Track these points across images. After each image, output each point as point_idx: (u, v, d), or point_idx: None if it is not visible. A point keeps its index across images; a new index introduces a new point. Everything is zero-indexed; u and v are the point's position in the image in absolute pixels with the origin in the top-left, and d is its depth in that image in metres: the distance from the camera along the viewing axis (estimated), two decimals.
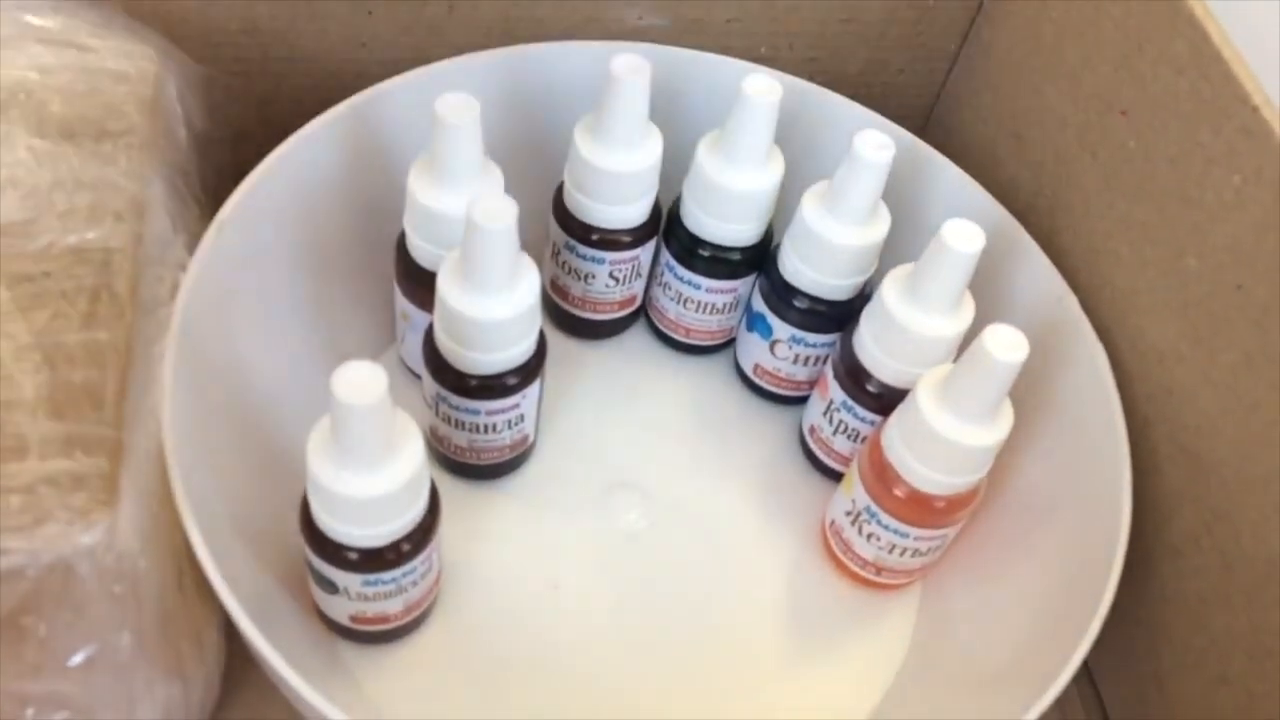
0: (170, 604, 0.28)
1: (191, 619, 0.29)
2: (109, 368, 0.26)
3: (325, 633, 0.34)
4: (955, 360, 0.33)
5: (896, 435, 0.34)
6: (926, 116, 0.46)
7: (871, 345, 0.35)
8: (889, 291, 0.35)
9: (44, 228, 0.27)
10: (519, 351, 0.34)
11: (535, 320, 0.34)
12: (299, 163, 0.36)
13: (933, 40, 0.44)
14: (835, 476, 0.39)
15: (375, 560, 0.30)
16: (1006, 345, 0.30)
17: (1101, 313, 0.36)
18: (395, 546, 0.30)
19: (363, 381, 0.27)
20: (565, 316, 0.42)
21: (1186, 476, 0.33)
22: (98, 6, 0.34)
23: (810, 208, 0.36)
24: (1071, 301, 0.36)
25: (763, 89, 0.35)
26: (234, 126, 0.38)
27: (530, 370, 0.35)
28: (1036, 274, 0.37)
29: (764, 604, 0.37)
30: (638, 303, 0.42)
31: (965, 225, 0.32)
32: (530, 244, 0.32)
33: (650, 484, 0.39)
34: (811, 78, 0.40)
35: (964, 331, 0.34)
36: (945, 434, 0.32)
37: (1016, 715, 0.29)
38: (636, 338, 0.43)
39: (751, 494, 0.40)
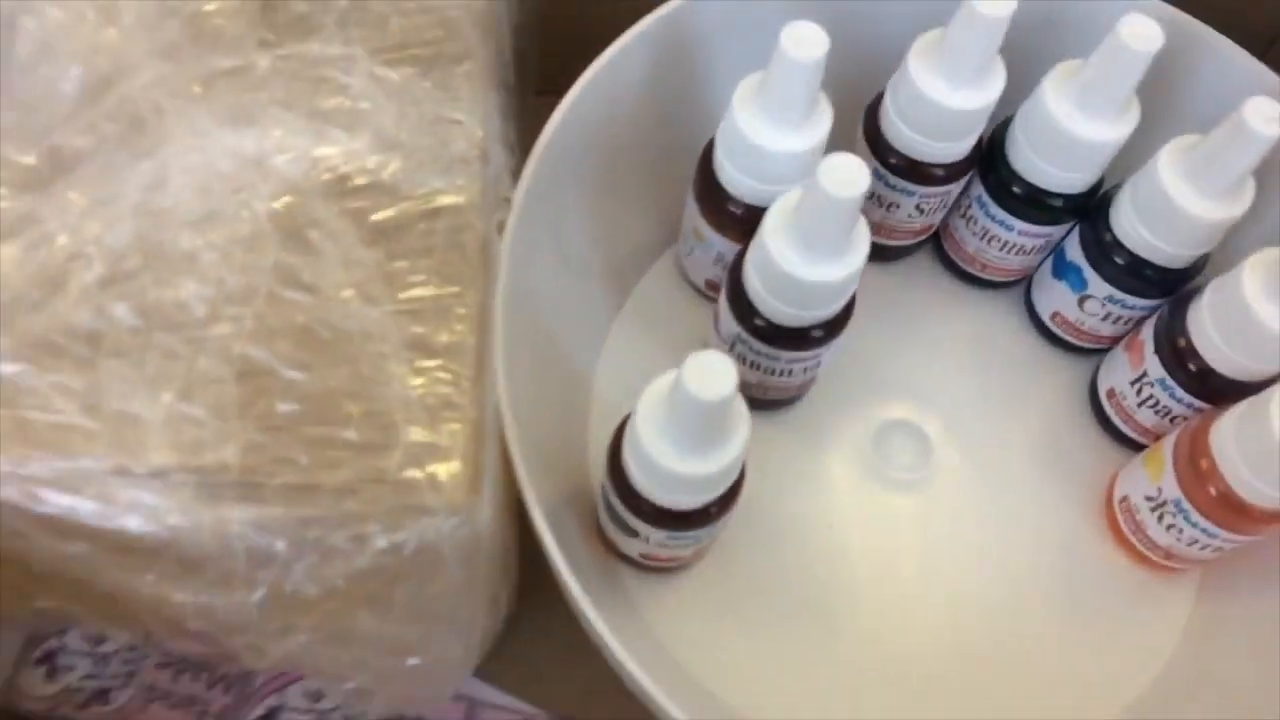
0: (500, 549, 0.28)
1: (507, 553, 0.30)
2: (469, 330, 0.25)
3: (605, 553, 0.35)
4: None
5: (1230, 437, 0.31)
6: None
7: (1213, 334, 0.33)
8: (1249, 281, 0.31)
9: (396, 176, 0.26)
10: (835, 309, 0.32)
11: (856, 281, 0.32)
12: (607, 79, 0.33)
13: None
14: (1128, 442, 0.37)
15: (685, 520, 0.30)
16: None
17: None
18: (706, 510, 0.30)
19: (714, 375, 0.26)
20: None
21: None
22: None
23: (1167, 168, 0.33)
24: None
25: (1141, 34, 0.31)
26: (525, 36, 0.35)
27: (837, 324, 0.33)
28: None
29: (1038, 569, 0.37)
30: (933, 229, 0.39)
31: None
32: None
33: (928, 427, 0.38)
34: None
35: None
36: None
37: None
38: (922, 258, 0.41)
39: (1033, 447, 0.38)
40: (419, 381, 0.25)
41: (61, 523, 0.24)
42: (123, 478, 0.23)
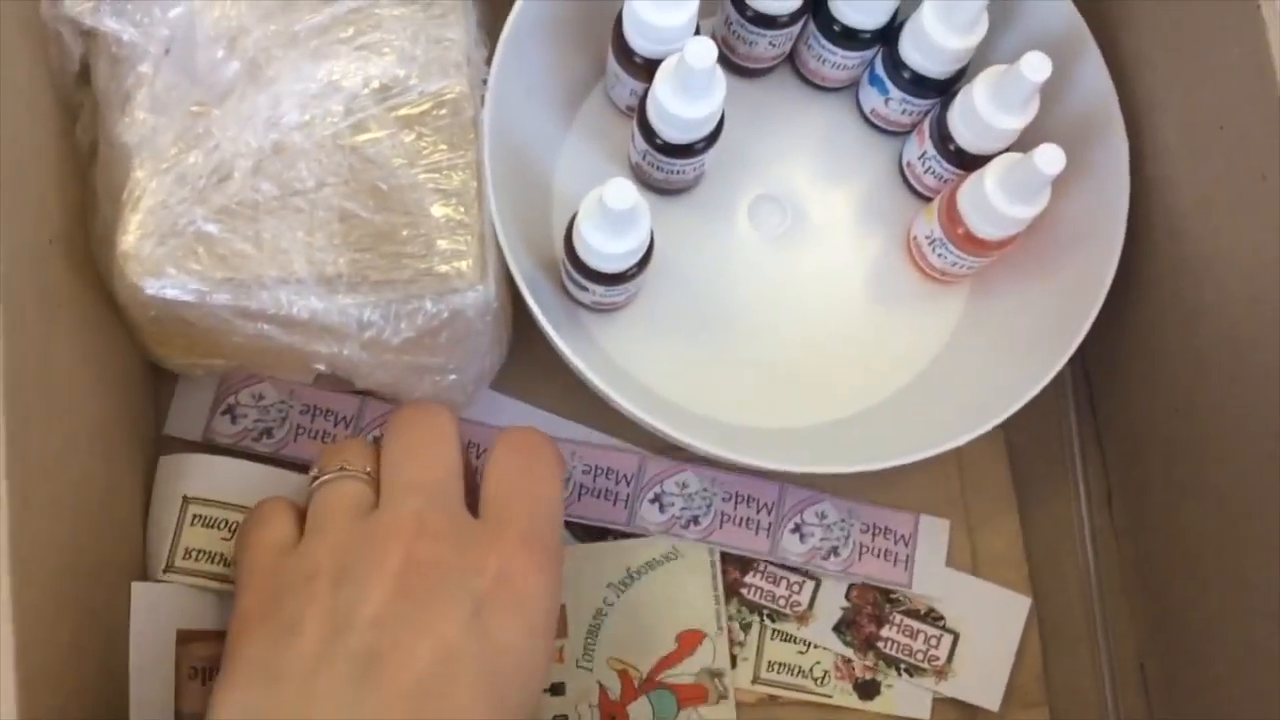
0: (501, 309, 0.45)
1: (505, 311, 0.47)
2: (470, 177, 0.42)
3: (569, 302, 0.52)
4: (1018, 149, 0.47)
5: (968, 194, 0.48)
6: None
7: (960, 125, 0.49)
8: (979, 90, 0.47)
9: (413, 80, 0.41)
10: (709, 130, 0.48)
11: (720, 113, 0.47)
12: None
13: None
14: (922, 198, 0.54)
15: (616, 278, 0.48)
16: (1050, 160, 0.44)
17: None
18: (627, 271, 0.47)
19: (622, 193, 0.42)
20: (729, 62, 0.54)
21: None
22: None
23: (929, 13, 0.48)
24: (1113, 103, 0.48)
25: None
26: None
27: (712, 139, 0.49)
28: (1092, 79, 0.49)
29: (860, 289, 0.54)
30: (786, 54, 0.54)
31: (1040, 60, 0.44)
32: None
33: (786, 197, 0.55)
34: None
35: (1026, 124, 0.48)
36: (1001, 208, 0.46)
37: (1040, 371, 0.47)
38: (780, 74, 0.56)
39: (860, 205, 0.55)
40: (443, 212, 0.41)
41: (247, 310, 0.41)
42: (283, 284, 0.40)
